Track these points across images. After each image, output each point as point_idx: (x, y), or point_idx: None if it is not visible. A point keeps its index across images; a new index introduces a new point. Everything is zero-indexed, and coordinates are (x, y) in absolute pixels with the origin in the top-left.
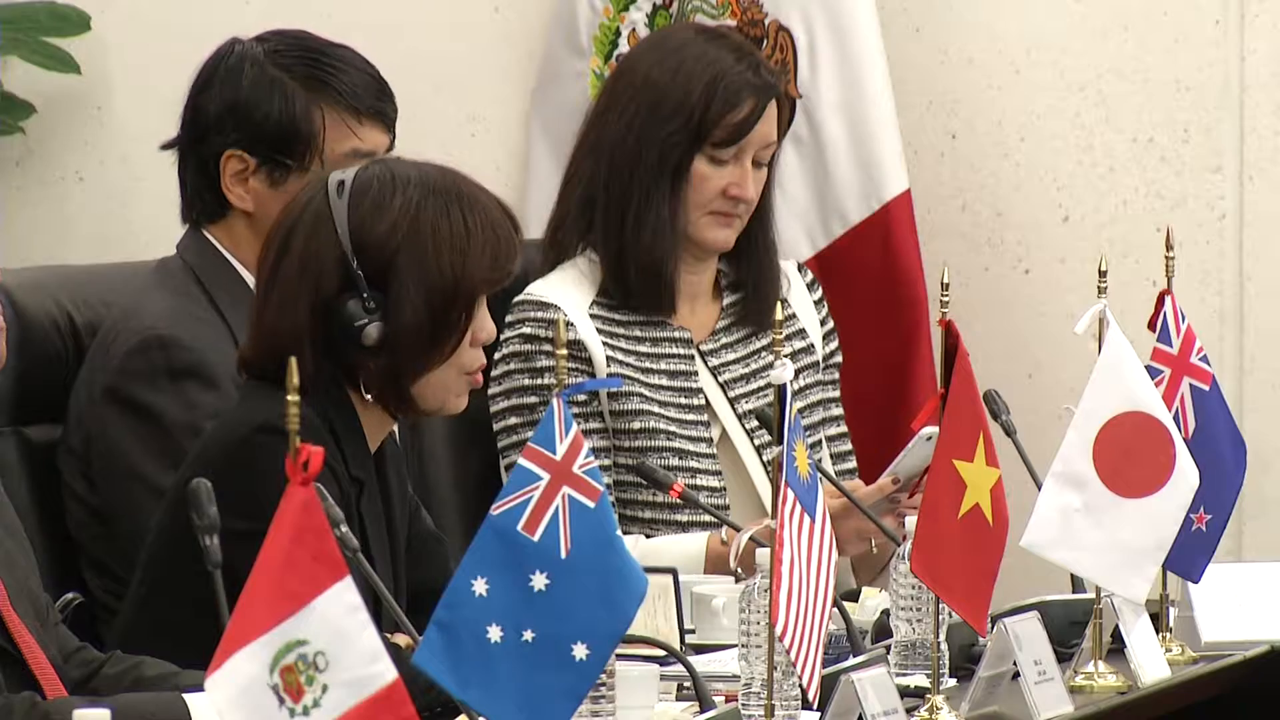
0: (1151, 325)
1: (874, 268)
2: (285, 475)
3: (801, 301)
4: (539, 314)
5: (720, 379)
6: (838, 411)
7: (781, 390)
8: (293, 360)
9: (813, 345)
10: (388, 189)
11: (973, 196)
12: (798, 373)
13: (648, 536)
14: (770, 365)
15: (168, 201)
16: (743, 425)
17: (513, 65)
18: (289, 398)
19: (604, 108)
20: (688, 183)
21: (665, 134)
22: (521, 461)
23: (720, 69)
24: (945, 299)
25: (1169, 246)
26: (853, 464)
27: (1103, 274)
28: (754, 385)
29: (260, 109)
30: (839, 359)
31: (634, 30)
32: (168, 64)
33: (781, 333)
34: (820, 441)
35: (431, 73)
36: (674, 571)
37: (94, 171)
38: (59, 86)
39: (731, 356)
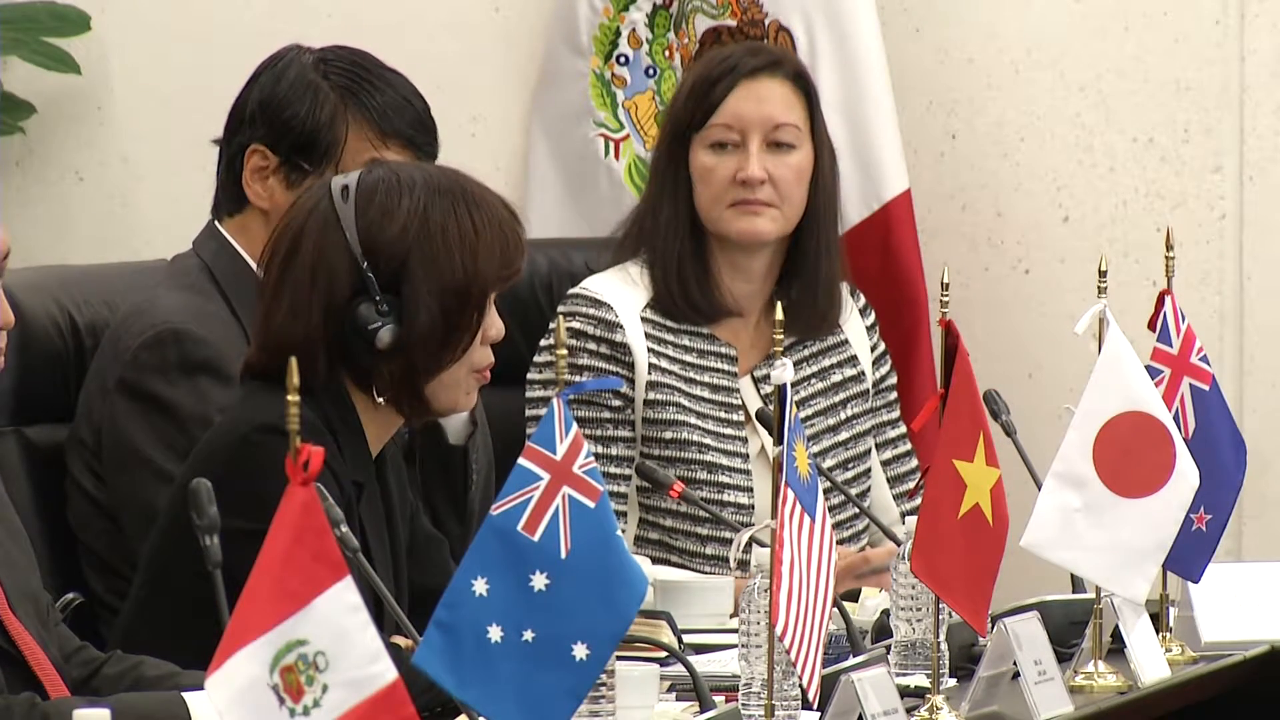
0: (1151, 325)
1: (874, 268)
2: (286, 475)
3: (855, 328)
4: (591, 310)
5: (763, 391)
6: (894, 433)
7: (781, 390)
8: (293, 360)
9: (862, 374)
10: (394, 192)
11: (973, 196)
12: (845, 402)
13: (666, 544)
14: (824, 379)
15: (168, 201)
16: None
17: (513, 65)
18: (289, 398)
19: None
20: (696, 176)
21: (670, 135)
22: (521, 461)
23: (710, 61)
24: (945, 299)
25: (1169, 246)
26: (915, 483)
27: (1103, 274)
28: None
29: (289, 108)
30: (893, 380)
31: (634, 30)
32: (168, 64)
33: (782, 332)
34: (868, 471)
35: (432, 73)
36: (668, 615)
37: (94, 171)
38: (59, 86)
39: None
